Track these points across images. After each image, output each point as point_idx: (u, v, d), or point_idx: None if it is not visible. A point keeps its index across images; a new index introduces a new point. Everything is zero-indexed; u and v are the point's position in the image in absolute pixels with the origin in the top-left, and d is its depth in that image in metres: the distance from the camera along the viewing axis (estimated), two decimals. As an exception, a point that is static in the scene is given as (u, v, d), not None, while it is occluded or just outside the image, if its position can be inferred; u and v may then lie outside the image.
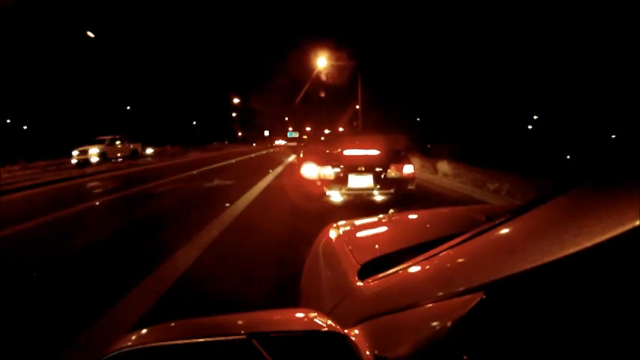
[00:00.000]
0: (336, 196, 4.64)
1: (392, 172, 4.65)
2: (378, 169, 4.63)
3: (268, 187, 8.22)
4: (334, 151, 5.18)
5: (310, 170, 4.74)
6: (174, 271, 3.08)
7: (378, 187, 4.60)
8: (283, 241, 3.95)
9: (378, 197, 4.62)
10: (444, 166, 10.10)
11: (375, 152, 5.06)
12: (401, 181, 4.67)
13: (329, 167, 4.66)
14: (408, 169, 4.72)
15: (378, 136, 5.66)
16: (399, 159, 4.87)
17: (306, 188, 4.77)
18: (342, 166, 4.64)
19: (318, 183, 4.65)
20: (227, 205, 5.94)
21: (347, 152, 5.06)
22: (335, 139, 5.79)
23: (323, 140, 6.17)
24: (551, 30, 31.13)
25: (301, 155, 5.91)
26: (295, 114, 75.60)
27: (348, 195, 4.62)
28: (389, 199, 4.61)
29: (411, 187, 4.75)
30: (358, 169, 4.63)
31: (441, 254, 0.62)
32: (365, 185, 4.62)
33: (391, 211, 3.32)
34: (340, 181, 4.61)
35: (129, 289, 2.69)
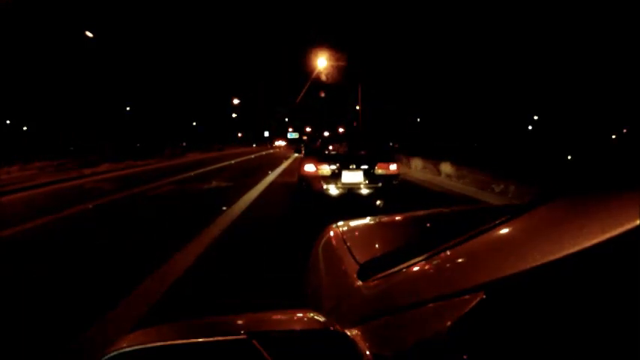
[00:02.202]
0: (332, 190, 5.28)
1: (379, 170, 5.33)
2: (367, 167, 5.31)
3: (267, 189, 8.11)
4: (331, 152, 5.96)
5: (310, 168, 5.41)
6: (163, 281, 2.89)
7: (367, 182, 5.28)
8: (282, 246, 3.89)
9: (367, 190, 5.29)
10: (447, 167, 10.10)
11: (364, 152, 5.79)
12: (386, 177, 5.34)
13: (326, 165, 5.30)
14: (393, 167, 5.44)
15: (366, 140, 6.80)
16: (385, 158, 5.51)
17: (308, 182, 5.43)
18: (337, 165, 5.31)
19: (317, 179, 5.30)
20: (224, 208, 5.85)
21: (341, 152, 5.84)
22: (329, 143, 6.67)
23: (321, 142, 6.92)
24: (550, 30, 31.11)
25: (302, 154, 6.59)
26: (296, 115, 75.58)
27: (343, 189, 5.28)
28: (376, 192, 5.29)
29: (395, 182, 5.44)
30: (350, 166, 5.29)
31: (441, 254, 0.62)
32: (356, 180, 5.28)
33: (378, 202, 4.14)
34: (335, 177, 5.28)
35: (104, 312, 2.45)
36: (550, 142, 27.86)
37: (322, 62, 22.18)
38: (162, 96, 40.42)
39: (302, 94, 40.58)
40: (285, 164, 16.56)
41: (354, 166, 5.30)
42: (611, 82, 27.82)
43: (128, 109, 37.90)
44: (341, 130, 56.26)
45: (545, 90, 34.11)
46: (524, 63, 33.64)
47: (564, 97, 33.26)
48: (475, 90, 37.16)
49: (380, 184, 5.29)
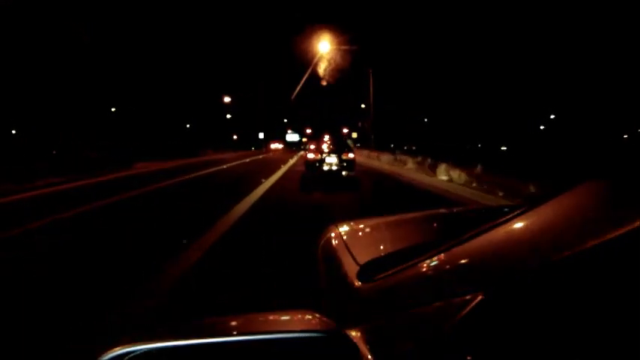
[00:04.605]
0: (322, 167, 10.61)
1: (344, 156, 10.66)
2: (338, 154, 10.65)
3: (225, 245, 4.39)
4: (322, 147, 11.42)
5: (310, 155, 10.97)
6: None
7: (337, 162, 10.59)
8: None
9: (338, 167, 10.55)
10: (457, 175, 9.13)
11: (337, 148, 11.09)
12: (348, 160, 10.67)
13: (318, 154, 10.80)
14: (351, 155, 10.83)
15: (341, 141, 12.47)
16: (347, 150, 11.02)
17: (310, 162, 10.98)
18: (324, 154, 10.75)
19: (314, 161, 10.80)
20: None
21: (325, 147, 11.12)
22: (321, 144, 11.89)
23: (316, 143, 12.18)
24: (564, 29, 30.69)
25: (306, 151, 12.20)
26: (295, 115, 75.14)
27: (327, 165, 10.58)
28: (342, 167, 10.56)
29: (351, 163, 10.77)
30: (330, 154, 10.68)
31: (441, 255, 0.63)
32: (333, 161, 10.61)
33: (344, 173, 10.89)
34: (323, 160, 10.66)
35: None
36: (566, 142, 27.47)
37: (325, 46, 21.00)
38: (152, 97, 39.16)
39: (301, 83, 38.76)
40: (268, 182, 10.85)
41: (332, 154, 10.68)
42: (622, 82, 27.54)
43: (113, 110, 36.79)
44: (345, 130, 55.77)
45: (560, 89, 33.72)
46: (539, 61, 33.28)
47: (577, 97, 32.94)
48: (485, 88, 36.77)
49: (345, 164, 10.63)
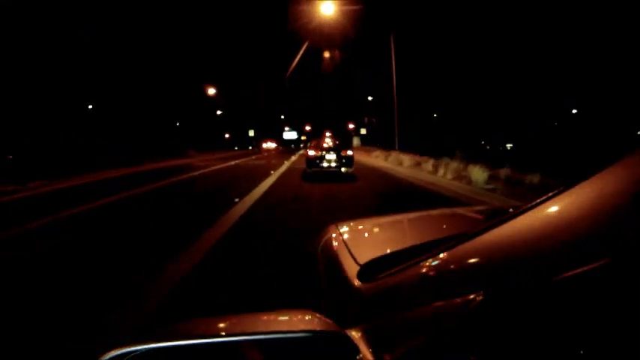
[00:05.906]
0: (322, 163, 11.77)
1: (343, 153, 11.87)
2: (337, 151, 11.90)
3: None
4: (322, 144, 12.69)
5: (311, 152, 12.07)
6: None
7: (337, 159, 11.80)
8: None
9: (337, 162, 11.76)
10: None
11: (336, 144, 12.43)
12: (346, 157, 11.87)
13: (319, 151, 11.97)
14: (350, 152, 12.08)
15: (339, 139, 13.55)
16: (346, 147, 12.29)
17: (310, 159, 12.07)
18: (323, 150, 11.93)
19: (315, 157, 11.90)
20: None
21: (325, 145, 12.46)
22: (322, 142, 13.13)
23: (315, 141, 13.41)
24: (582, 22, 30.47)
25: (307, 149, 13.35)
26: (294, 109, 74.67)
27: (326, 162, 11.75)
28: (341, 164, 11.76)
29: (350, 159, 11.97)
30: (329, 151, 11.89)
31: (441, 254, 0.64)
32: (333, 158, 11.79)
33: (344, 169, 12.34)
34: (323, 157, 11.82)
35: None
36: (588, 140, 27.33)
37: (328, 8, 19.37)
38: (133, 93, 36.81)
39: (300, 53, 35.78)
40: (254, 196, 7.98)
41: (332, 151, 11.86)
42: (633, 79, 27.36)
43: (90, 107, 35.07)
44: (351, 126, 55.10)
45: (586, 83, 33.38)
46: (552, 54, 33.11)
47: (596, 93, 32.73)
48: (499, 84, 36.54)
49: (343, 161, 11.79)
